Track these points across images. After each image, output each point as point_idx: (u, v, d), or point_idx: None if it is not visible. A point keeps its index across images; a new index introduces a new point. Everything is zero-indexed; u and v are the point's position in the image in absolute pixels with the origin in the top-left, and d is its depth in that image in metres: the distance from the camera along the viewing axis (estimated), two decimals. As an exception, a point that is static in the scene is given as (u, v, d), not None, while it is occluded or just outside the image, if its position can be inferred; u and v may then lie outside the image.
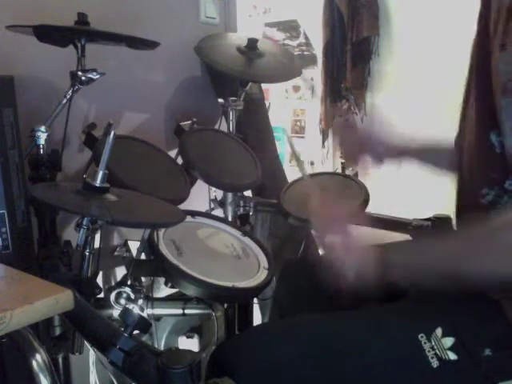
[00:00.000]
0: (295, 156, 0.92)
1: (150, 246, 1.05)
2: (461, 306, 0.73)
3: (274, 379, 0.74)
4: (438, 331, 0.70)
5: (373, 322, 0.76)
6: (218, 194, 1.50)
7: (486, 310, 0.72)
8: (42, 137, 1.12)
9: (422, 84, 2.63)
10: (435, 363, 0.68)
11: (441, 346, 0.69)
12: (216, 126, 1.68)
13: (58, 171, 1.15)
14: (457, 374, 0.69)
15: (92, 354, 1.15)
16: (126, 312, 0.74)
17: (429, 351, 0.69)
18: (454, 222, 0.94)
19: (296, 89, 3.22)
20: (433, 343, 0.69)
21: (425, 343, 0.69)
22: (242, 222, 1.52)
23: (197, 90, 1.77)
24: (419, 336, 0.70)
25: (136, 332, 0.73)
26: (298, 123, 3.29)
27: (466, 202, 0.86)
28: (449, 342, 0.69)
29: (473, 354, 0.68)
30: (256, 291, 1.09)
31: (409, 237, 1.28)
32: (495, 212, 0.76)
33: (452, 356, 0.68)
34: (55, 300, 0.63)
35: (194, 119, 1.49)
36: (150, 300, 1.09)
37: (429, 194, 2.05)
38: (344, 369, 0.73)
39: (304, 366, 0.73)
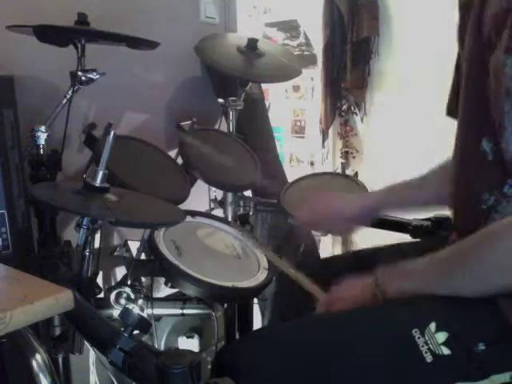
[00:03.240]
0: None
1: (150, 246, 1.05)
2: (454, 301, 0.73)
3: (275, 382, 0.74)
4: (432, 326, 0.70)
5: (367, 319, 0.77)
6: (218, 194, 1.50)
7: (480, 304, 0.72)
8: (42, 137, 1.12)
9: (421, 84, 2.63)
10: (429, 358, 0.68)
11: (434, 340, 0.69)
12: (216, 126, 1.68)
13: (58, 171, 1.15)
14: (450, 369, 0.69)
15: (92, 354, 1.15)
16: (125, 312, 0.74)
17: (422, 346, 0.69)
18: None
19: (296, 89, 3.22)
20: (426, 338, 0.69)
21: (418, 338, 0.70)
22: (241, 222, 1.52)
23: (197, 90, 1.77)
24: (413, 331, 0.70)
25: (136, 332, 0.73)
26: (298, 123, 3.29)
27: (464, 208, 0.86)
28: (442, 336, 0.69)
29: (466, 348, 0.68)
30: (256, 291, 1.09)
31: (408, 237, 1.28)
32: (494, 217, 0.76)
33: (445, 351, 0.68)
34: (55, 300, 0.63)
35: (194, 119, 1.49)
36: (150, 300, 1.09)
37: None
38: (341, 368, 0.73)
39: (304, 367, 0.73)
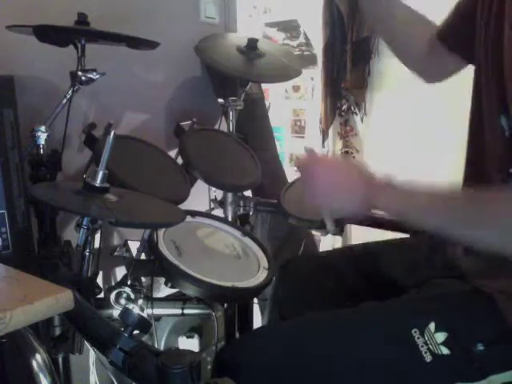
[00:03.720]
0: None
1: (150, 246, 1.05)
2: (454, 301, 0.74)
3: (274, 380, 0.74)
4: (431, 326, 0.70)
5: (368, 318, 0.77)
6: (218, 194, 1.50)
7: (479, 304, 0.72)
8: (42, 137, 1.12)
9: (421, 84, 2.63)
10: (428, 358, 0.69)
11: (434, 340, 0.70)
12: (216, 126, 1.68)
13: (58, 171, 1.15)
14: (449, 369, 0.70)
15: (92, 354, 1.15)
16: (125, 312, 0.74)
17: (422, 346, 0.70)
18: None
19: (296, 89, 3.22)
20: (426, 338, 0.70)
21: (418, 338, 0.70)
22: (241, 222, 1.52)
23: (197, 90, 1.77)
24: (412, 331, 0.71)
25: (136, 332, 0.73)
26: (298, 123, 3.29)
27: (474, 185, 0.85)
28: (442, 336, 0.70)
29: (465, 348, 0.69)
30: (256, 291, 1.09)
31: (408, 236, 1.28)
32: None
33: (445, 351, 0.69)
34: (55, 300, 0.63)
35: (194, 119, 1.49)
36: (150, 300, 1.09)
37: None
38: (341, 368, 0.73)
39: (303, 367, 0.73)
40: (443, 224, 0.72)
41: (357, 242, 1.13)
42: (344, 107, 2.99)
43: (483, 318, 0.72)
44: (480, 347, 0.68)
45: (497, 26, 0.74)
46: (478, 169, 0.83)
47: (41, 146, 1.12)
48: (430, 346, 0.69)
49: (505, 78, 0.71)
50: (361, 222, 1.35)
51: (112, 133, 0.87)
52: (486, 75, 0.80)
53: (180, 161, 1.37)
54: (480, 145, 0.83)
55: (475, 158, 0.85)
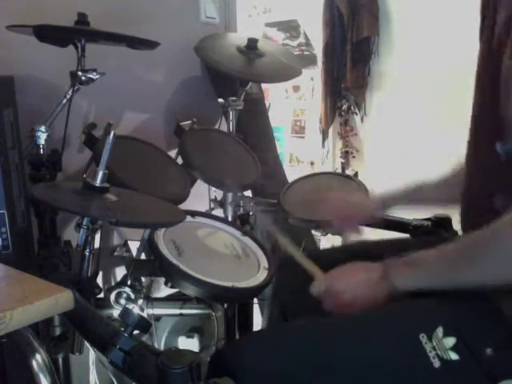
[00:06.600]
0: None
1: (150, 246, 1.05)
2: (461, 306, 0.73)
3: (274, 382, 0.74)
4: (439, 331, 0.69)
5: (373, 323, 0.76)
6: (218, 194, 1.50)
7: (487, 308, 0.72)
8: (42, 137, 1.12)
9: (421, 84, 2.63)
10: (437, 363, 0.68)
11: (442, 346, 0.68)
12: (216, 126, 1.68)
13: (58, 171, 1.15)
14: (458, 374, 0.68)
15: (92, 353, 1.15)
16: (126, 312, 0.74)
17: (430, 351, 0.68)
18: (459, 226, 0.94)
19: (296, 89, 3.22)
20: (434, 343, 0.69)
21: (426, 343, 0.69)
22: (241, 222, 1.51)
23: (197, 90, 1.77)
24: (420, 336, 0.70)
25: (136, 332, 0.73)
26: (298, 123, 3.29)
27: (476, 207, 0.86)
28: (450, 341, 0.69)
29: (474, 353, 0.68)
30: (256, 291, 1.09)
31: (408, 237, 1.28)
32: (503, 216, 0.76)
33: (453, 356, 0.68)
34: (55, 300, 0.63)
35: (194, 119, 1.49)
36: (150, 300, 1.09)
37: (429, 194, 2.05)
38: (344, 371, 0.72)
39: (305, 369, 0.73)
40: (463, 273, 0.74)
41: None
42: (344, 107, 2.99)
43: (491, 322, 0.71)
44: (489, 352, 0.67)
45: (494, 55, 0.75)
46: (479, 188, 0.84)
47: (41, 146, 1.12)
48: (439, 352, 0.68)
49: (502, 107, 0.72)
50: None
51: (112, 133, 0.87)
52: (481, 104, 0.82)
53: (180, 161, 1.37)
54: (478, 168, 0.85)
55: (475, 178, 0.86)
